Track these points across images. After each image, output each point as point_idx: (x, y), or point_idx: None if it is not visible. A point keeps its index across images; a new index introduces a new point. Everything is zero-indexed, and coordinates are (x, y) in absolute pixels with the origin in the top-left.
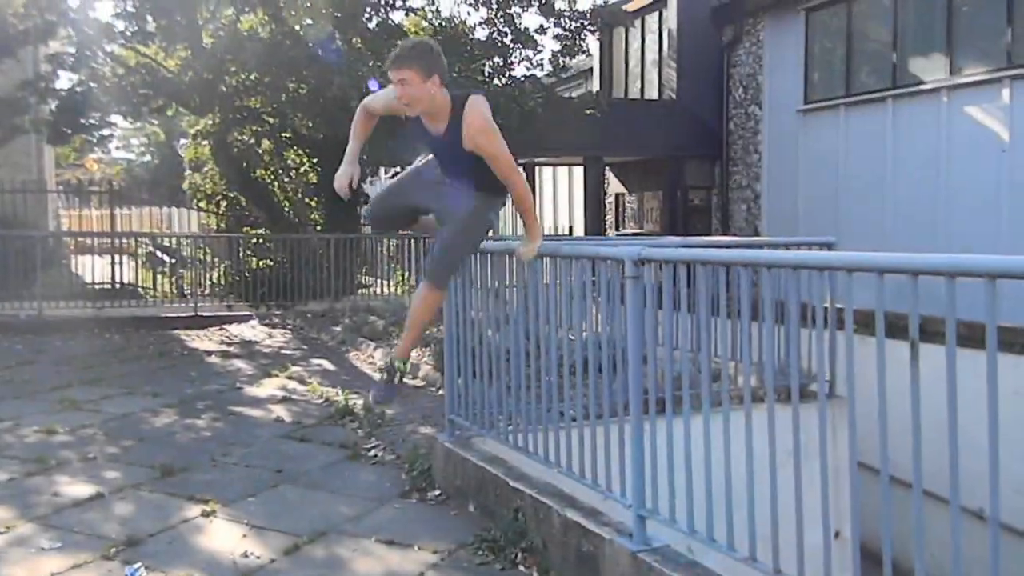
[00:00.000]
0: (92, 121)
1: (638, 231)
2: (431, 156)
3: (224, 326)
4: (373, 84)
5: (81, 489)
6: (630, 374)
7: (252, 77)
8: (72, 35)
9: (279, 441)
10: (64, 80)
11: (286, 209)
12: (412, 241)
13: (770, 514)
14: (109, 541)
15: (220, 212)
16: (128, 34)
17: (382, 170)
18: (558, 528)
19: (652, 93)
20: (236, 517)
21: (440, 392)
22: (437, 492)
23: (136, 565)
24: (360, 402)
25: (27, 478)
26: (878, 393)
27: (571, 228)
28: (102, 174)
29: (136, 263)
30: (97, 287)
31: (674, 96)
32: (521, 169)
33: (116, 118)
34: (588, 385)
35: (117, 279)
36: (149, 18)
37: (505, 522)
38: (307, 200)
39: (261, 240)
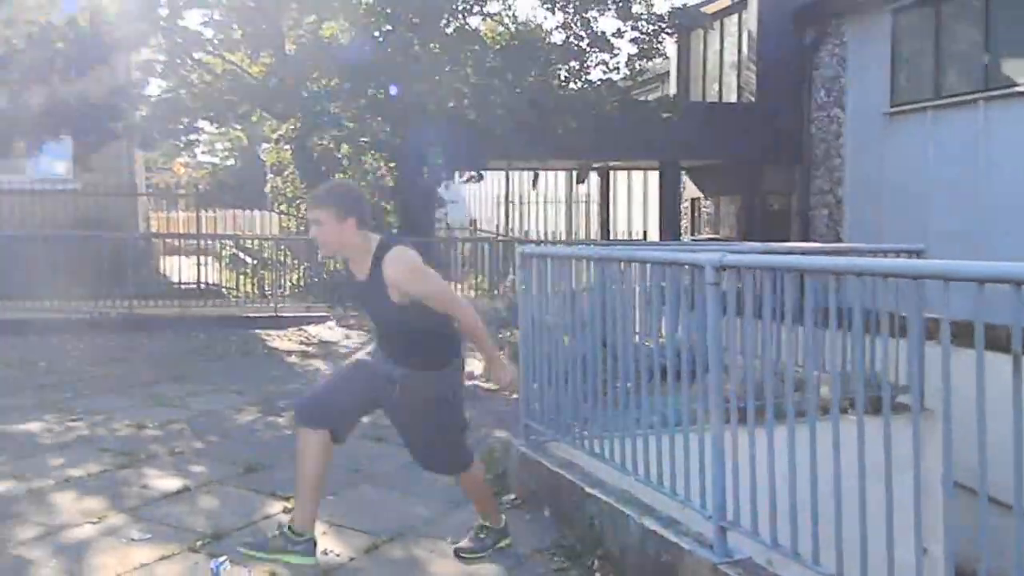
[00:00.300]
0: (180, 126)
1: (714, 236)
2: (371, 350)
3: (303, 327)
4: (393, 89)
5: (169, 483)
6: (711, 382)
7: (332, 83)
8: (162, 43)
9: (356, 441)
10: (154, 87)
11: None
12: (487, 246)
13: (858, 529)
14: (195, 534)
15: (300, 215)
16: (215, 42)
17: (456, 174)
18: (635, 537)
19: (730, 96)
20: None
21: (514, 396)
22: (512, 496)
23: (222, 558)
24: None
25: (118, 470)
26: (977, 409)
27: (645, 233)
28: (188, 178)
29: (220, 264)
30: (183, 287)
31: (753, 99)
32: (465, 304)
33: (203, 123)
34: (666, 392)
35: (202, 279)
36: (235, 26)
37: (581, 529)
38: (383, 204)
39: None
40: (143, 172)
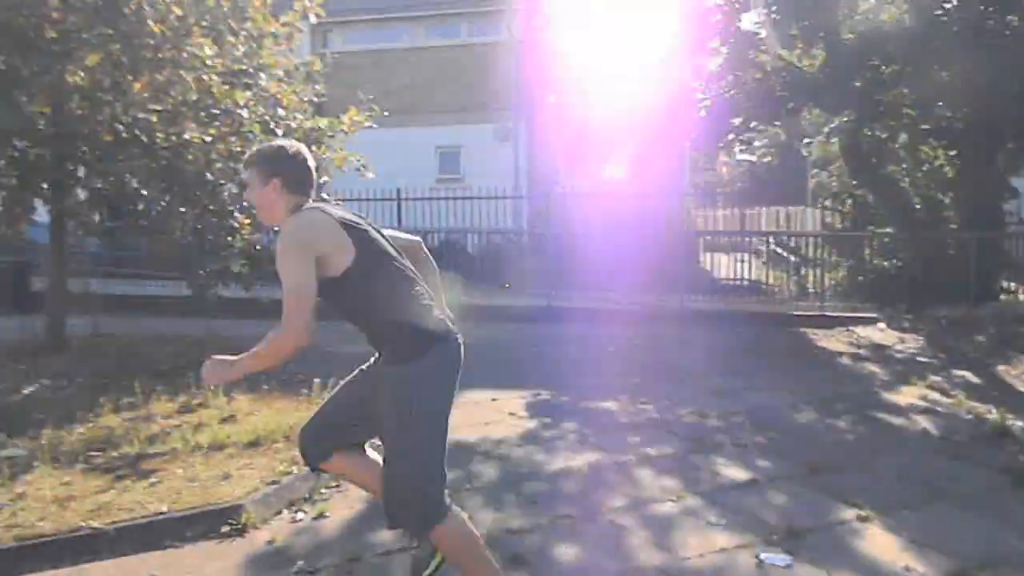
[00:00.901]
0: (731, 126)
1: None
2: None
3: (849, 327)
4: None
5: (736, 472)
6: None
7: (891, 69)
8: (720, 47)
9: (928, 454)
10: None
11: (916, 206)
12: None
13: None
14: (769, 528)
15: (844, 210)
16: (769, 40)
17: None
18: None
19: None
20: (891, 527)
21: None
22: None
23: (785, 556)
24: (1019, 423)
25: (688, 455)
26: None
27: None
28: (728, 176)
29: (760, 261)
30: (725, 283)
31: None
32: (300, 313)
33: (752, 123)
34: None
35: (743, 276)
36: (791, 22)
37: None
38: (940, 196)
39: (888, 239)
40: (690, 172)
